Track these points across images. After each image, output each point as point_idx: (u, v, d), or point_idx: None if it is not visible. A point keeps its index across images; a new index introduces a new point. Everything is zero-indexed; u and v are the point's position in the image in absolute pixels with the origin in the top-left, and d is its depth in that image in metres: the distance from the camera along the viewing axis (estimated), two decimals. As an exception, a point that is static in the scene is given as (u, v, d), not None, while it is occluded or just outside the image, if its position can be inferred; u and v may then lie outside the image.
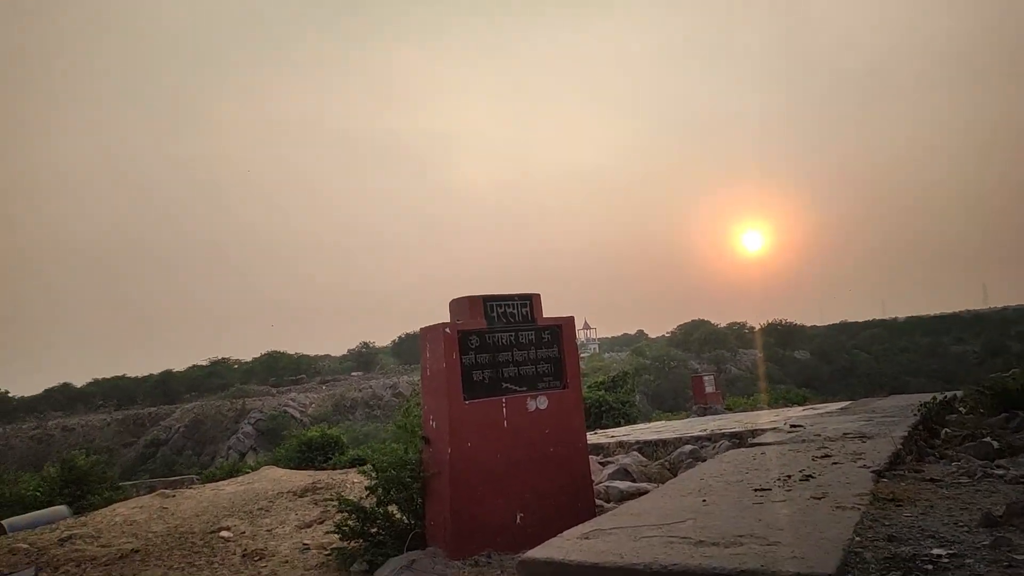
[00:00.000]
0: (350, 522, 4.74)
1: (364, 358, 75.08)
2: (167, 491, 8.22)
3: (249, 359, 70.40)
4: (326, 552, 5.11)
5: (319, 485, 7.57)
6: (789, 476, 4.02)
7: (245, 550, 5.45)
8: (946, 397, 7.74)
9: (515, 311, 4.89)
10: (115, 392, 64.31)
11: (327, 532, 5.53)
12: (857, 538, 2.68)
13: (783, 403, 18.68)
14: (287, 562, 5.09)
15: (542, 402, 4.86)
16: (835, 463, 4.35)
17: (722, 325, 78.77)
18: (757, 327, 76.94)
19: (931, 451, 5.29)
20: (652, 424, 13.90)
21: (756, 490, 3.71)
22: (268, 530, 6.07)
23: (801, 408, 12.48)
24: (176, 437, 52.19)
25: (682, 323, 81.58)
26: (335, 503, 5.01)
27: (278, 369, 66.53)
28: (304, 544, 5.49)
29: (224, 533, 5.91)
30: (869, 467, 4.06)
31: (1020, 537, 2.61)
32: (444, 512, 4.43)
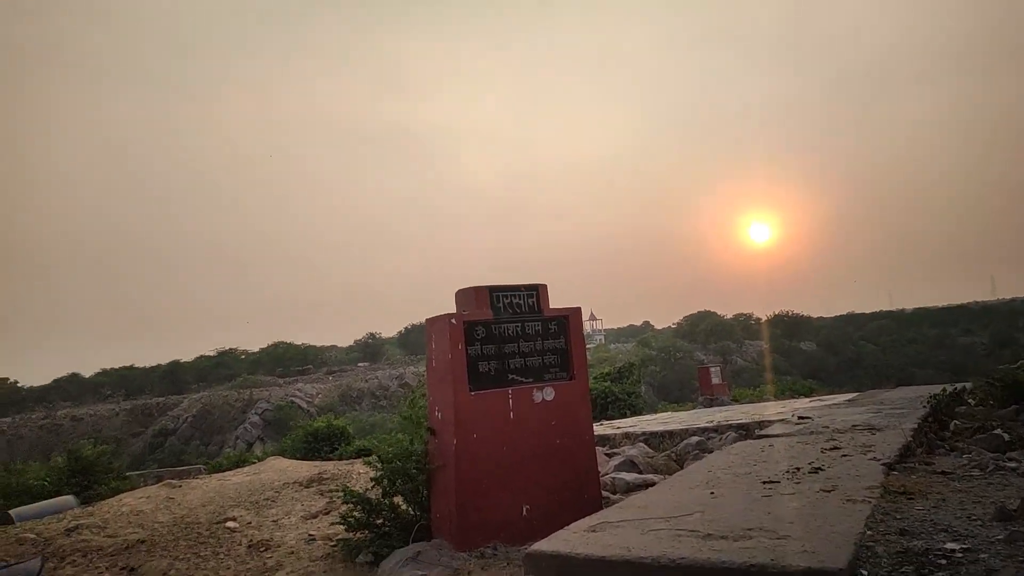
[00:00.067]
0: (355, 513, 4.73)
1: (370, 349, 75.37)
2: (173, 481, 8.25)
3: (256, 350, 70.81)
4: (331, 543, 5.11)
5: (325, 476, 7.57)
6: (798, 468, 3.97)
7: (251, 541, 5.46)
8: (955, 389, 7.67)
9: (521, 302, 4.84)
10: (124, 382, 64.77)
11: (332, 523, 5.53)
12: (868, 532, 2.64)
13: (789, 394, 18.62)
14: (292, 553, 5.08)
15: (548, 393, 4.83)
16: (844, 455, 4.30)
17: (728, 316, 78.78)
18: (763, 318, 76.93)
19: (941, 443, 5.23)
20: (658, 415, 13.85)
21: (765, 482, 3.67)
22: (274, 521, 6.07)
23: (808, 399, 12.41)
24: (184, 427, 52.54)
25: (688, 314, 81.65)
26: (341, 494, 4.99)
27: (285, 360, 66.83)
28: (310, 535, 5.48)
29: (230, 523, 5.92)
30: (879, 459, 4.01)
31: (1035, 532, 2.57)
32: (450, 504, 4.41)
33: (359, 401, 55.34)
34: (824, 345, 71.69)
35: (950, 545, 2.47)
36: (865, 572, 2.27)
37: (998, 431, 5.24)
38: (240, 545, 5.39)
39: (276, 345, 68.98)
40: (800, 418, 6.81)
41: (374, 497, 4.77)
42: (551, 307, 4.99)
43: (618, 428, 9.38)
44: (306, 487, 7.20)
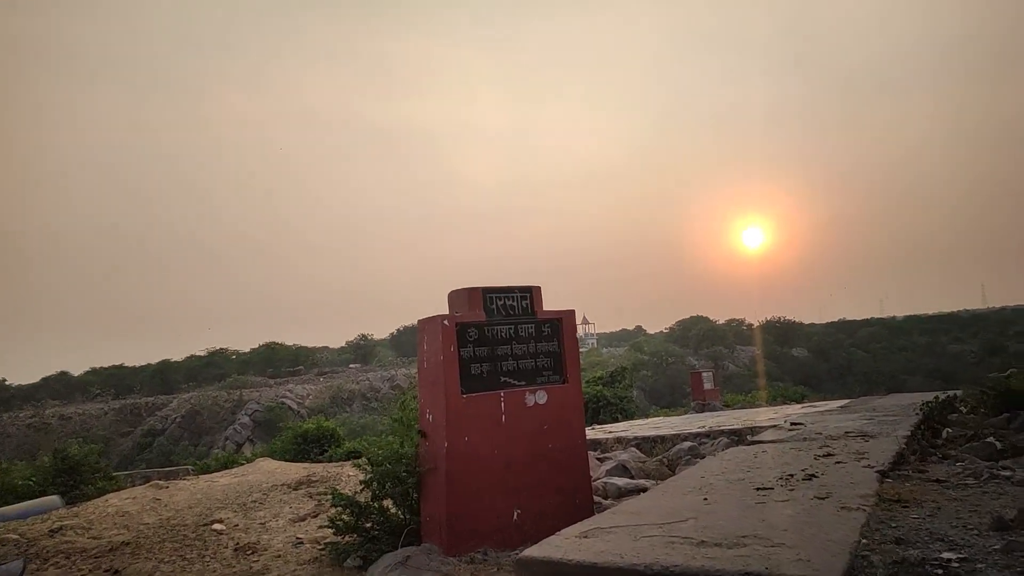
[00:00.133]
0: (344, 516, 4.66)
1: (362, 350, 75.12)
2: (160, 482, 8.15)
3: (247, 350, 70.38)
4: (319, 547, 5.04)
5: (314, 478, 7.49)
6: (791, 475, 3.94)
7: (237, 543, 5.38)
8: (947, 397, 7.67)
9: (515, 304, 4.80)
10: (112, 381, 64.24)
11: (321, 526, 5.46)
12: (864, 540, 2.61)
13: (781, 400, 18.65)
14: (279, 556, 5.01)
15: (541, 397, 4.78)
16: (838, 462, 4.27)
17: (721, 322, 78.99)
18: (756, 324, 77.18)
19: (934, 451, 5.22)
20: (650, 420, 13.83)
21: (758, 489, 3.64)
22: (261, 523, 6.00)
23: (800, 406, 12.41)
24: (173, 427, 52.14)
25: (681, 319, 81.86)
26: (329, 497, 4.93)
27: (276, 360, 66.51)
28: (297, 538, 5.41)
29: (217, 526, 5.84)
30: (873, 467, 3.99)
31: (1032, 541, 2.54)
32: (440, 508, 4.35)
33: (350, 403, 55.09)
34: (816, 351, 71.97)
35: (947, 555, 2.44)
36: (861, 582, 2.24)
37: (991, 439, 5.23)
38: (226, 548, 5.31)
39: (267, 345, 68.64)
40: (793, 424, 6.79)
41: (363, 500, 4.71)
42: (545, 309, 4.95)
43: (610, 432, 9.33)
44: (295, 489, 7.12)
